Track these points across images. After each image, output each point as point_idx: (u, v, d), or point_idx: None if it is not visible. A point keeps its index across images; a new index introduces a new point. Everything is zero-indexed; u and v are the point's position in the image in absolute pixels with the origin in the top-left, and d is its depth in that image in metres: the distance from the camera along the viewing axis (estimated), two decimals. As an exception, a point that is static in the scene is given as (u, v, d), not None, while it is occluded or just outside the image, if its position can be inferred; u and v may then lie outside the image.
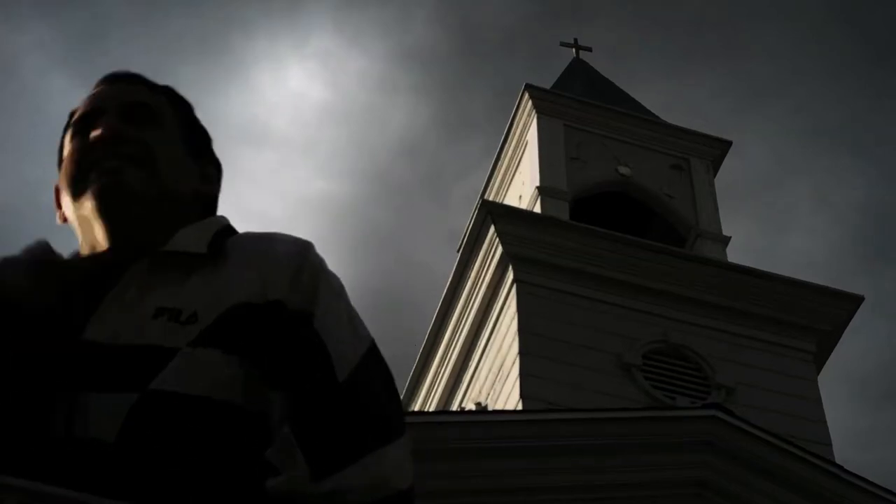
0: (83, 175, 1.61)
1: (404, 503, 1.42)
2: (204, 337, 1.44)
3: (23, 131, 33.91)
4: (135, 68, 1.69)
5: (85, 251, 1.63)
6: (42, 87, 33.31)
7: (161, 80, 1.79)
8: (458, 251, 12.94)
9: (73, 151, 1.64)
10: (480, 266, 12.21)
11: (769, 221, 34.69)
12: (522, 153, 14.58)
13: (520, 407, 10.28)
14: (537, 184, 13.39)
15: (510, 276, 11.71)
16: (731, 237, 13.72)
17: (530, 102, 14.52)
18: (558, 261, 11.71)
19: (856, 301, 12.50)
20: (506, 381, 10.96)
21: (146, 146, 1.63)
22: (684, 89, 35.13)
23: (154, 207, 1.60)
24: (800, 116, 37.16)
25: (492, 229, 11.88)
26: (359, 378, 1.46)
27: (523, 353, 10.84)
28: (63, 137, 1.72)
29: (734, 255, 13.52)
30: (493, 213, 12.03)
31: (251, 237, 1.59)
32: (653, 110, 15.84)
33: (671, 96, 32.79)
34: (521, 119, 14.74)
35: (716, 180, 14.56)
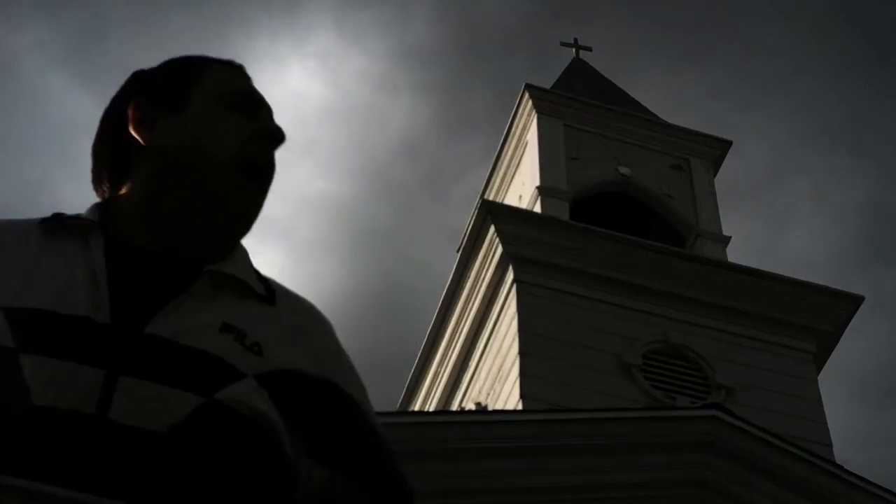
0: (225, 155, 1.52)
1: None
2: (268, 380, 1.42)
3: (22, 131, 33.94)
4: (135, 67, 1.67)
5: (139, 232, 1.51)
6: (42, 87, 33.33)
7: None
8: (458, 251, 12.94)
9: (233, 130, 1.54)
10: (480, 266, 12.21)
11: (769, 221, 34.71)
12: (522, 153, 14.58)
13: (520, 407, 10.28)
14: (537, 184, 13.39)
15: (510, 275, 11.71)
16: (731, 237, 13.72)
17: (530, 102, 14.52)
18: (558, 261, 11.70)
19: (856, 301, 12.50)
20: (506, 381, 10.96)
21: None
22: (684, 89, 35.16)
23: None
24: (800, 116, 37.19)
25: (492, 229, 11.87)
26: (395, 468, 1.51)
27: (523, 353, 10.83)
28: (172, 81, 1.60)
29: (734, 254, 13.54)
30: (493, 213, 12.03)
31: (288, 294, 1.57)
32: (653, 110, 15.85)
33: (671, 96, 32.81)
34: (521, 119, 14.74)
35: (716, 180, 14.56)
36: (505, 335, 11.45)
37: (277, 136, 1.57)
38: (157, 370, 1.36)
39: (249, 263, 1.56)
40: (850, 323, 12.47)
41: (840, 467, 9.80)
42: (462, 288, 12.55)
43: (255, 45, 35.85)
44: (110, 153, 1.59)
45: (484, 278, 12.15)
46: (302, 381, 1.46)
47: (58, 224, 1.51)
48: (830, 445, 11.11)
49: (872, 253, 35.68)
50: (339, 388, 1.49)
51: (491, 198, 14.50)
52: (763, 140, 34.53)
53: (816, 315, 12.23)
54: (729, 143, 14.96)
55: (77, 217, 1.53)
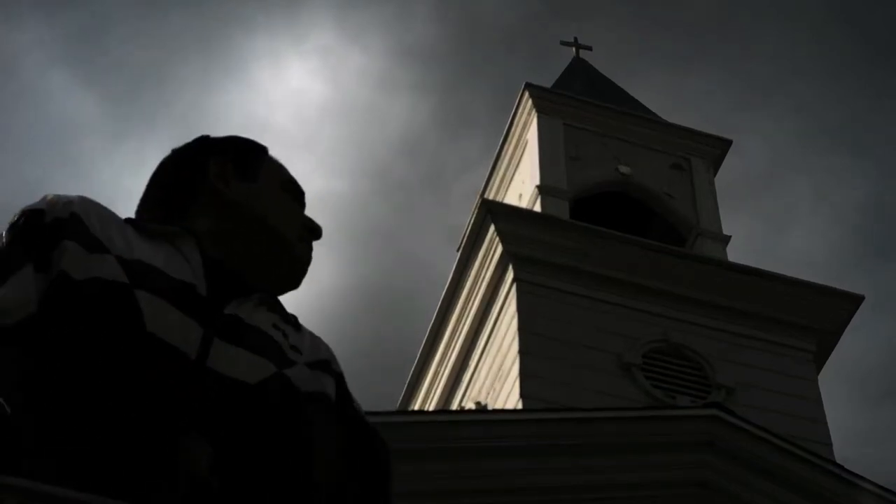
0: (290, 235, 1.89)
1: None
2: (312, 366, 1.78)
3: (22, 131, 33.93)
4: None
5: (215, 251, 1.80)
6: (42, 86, 33.31)
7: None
8: (457, 250, 12.94)
9: (294, 215, 1.94)
10: (480, 265, 12.21)
11: (769, 220, 34.70)
12: (522, 152, 14.58)
13: (520, 406, 10.27)
14: (537, 183, 13.39)
15: (510, 275, 11.70)
16: (731, 237, 13.72)
17: (530, 101, 14.52)
18: (558, 260, 11.70)
19: (856, 301, 12.50)
20: (506, 380, 10.96)
21: None
22: (684, 88, 35.16)
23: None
24: (800, 115, 37.20)
25: (492, 228, 11.87)
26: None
27: (523, 352, 10.83)
28: (257, 159, 1.97)
29: (734, 254, 13.54)
30: (493, 212, 12.03)
31: (308, 331, 1.89)
32: (653, 109, 15.84)
33: (671, 95, 32.81)
34: (521, 118, 14.74)
35: (716, 180, 14.56)
36: (505, 334, 11.44)
37: (320, 233, 1.96)
38: (240, 340, 1.65)
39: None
40: (850, 322, 12.48)
41: (840, 467, 9.80)
42: (462, 287, 12.54)
43: (255, 44, 35.89)
44: (174, 193, 1.91)
45: (484, 278, 12.15)
46: (331, 370, 1.81)
47: (145, 226, 1.79)
48: (830, 445, 11.11)
49: (872, 252, 35.71)
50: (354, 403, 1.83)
51: (491, 197, 14.50)
52: (763, 139, 34.53)
53: (816, 315, 12.23)
54: (729, 143, 14.96)
55: (161, 226, 1.81)
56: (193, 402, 1.53)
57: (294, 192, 1.98)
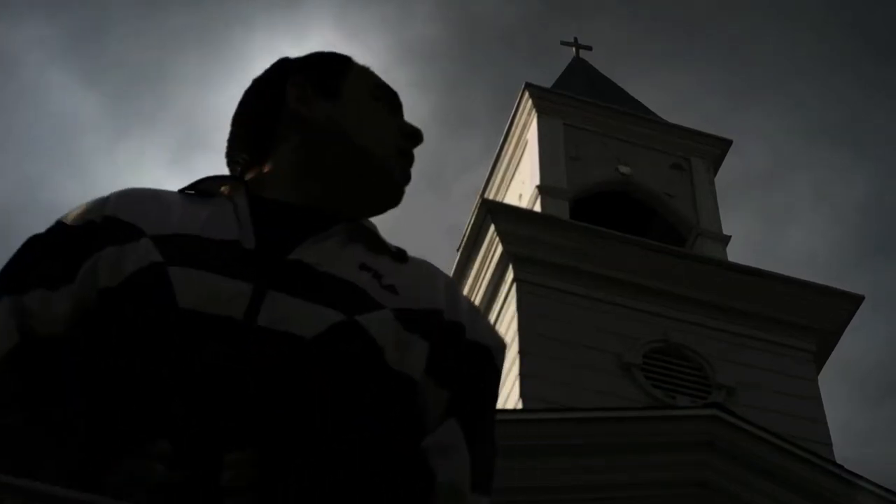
0: (383, 150, 1.72)
1: None
2: (405, 314, 1.53)
3: (23, 129, 33.95)
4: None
5: (283, 189, 1.66)
6: (42, 85, 33.34)
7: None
8: (457, 250, 12.94)
9: (387, 125, 1.75)
10: (480, 265, 12.21)
11: (769, 219, 34.72)
12: (522, 152, 14.58)
13: (520, 407, 10.27)
14: (537, 183, 13.38)
15: (510, 275, 11.70)
16: (731, 236, 13.73)
17: (530, 101, 14.52)
18: (558, 260, 11.70)
19: (856, 301, 12.50)
20: (506, 380, 10.96)
21: None
22: (684, 88, 35.19)
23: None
24: (800, 114, 37.22)
25: (492, 228, 11.87)
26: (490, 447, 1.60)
27: (523, 352, 10.83)
28: (328, 68, 1.79)
29: (734, 253, 13.55)
30: (493, 212, 12.03)
31: (415, 258, 1.70)
32: (653, 109, 15.85)
33: (671, 95, 32.83)
34: (521, 118, 14.74)
35: (716, 179, 14.56)
36: (505, 335, 11.44)
37: (420, 136, 1.79)
38: (301, 289, 1.48)
39: (375, 224, 1.73)
40: (851, 322, 12.48)
41: (840, 467, 9.80)
42: (462, 287, 12.53)
43: (255, 41, 35.91)
44: (256, 127, 1.76)
45: (484, 278, 12.15)
46: (440, 323, 1.56)
47: (201, 187, 1.65)
48: (830, 445, 11.10)
49: (872, 251, 35.73)
50: (464, 329, 1.58)
51: (491, 197, 14.50)
52: (763, 139, 34.59)
53: (816, 315, 12.23)
54: (729, 143, 14.96)
55: (217, 179, 1.68)
56: (228, 375, 1.39)
57: (386, 98, 1.80)
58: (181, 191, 1.66)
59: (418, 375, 1.50)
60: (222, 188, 1.66)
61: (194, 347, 1.41)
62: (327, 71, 1.79)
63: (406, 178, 1.74)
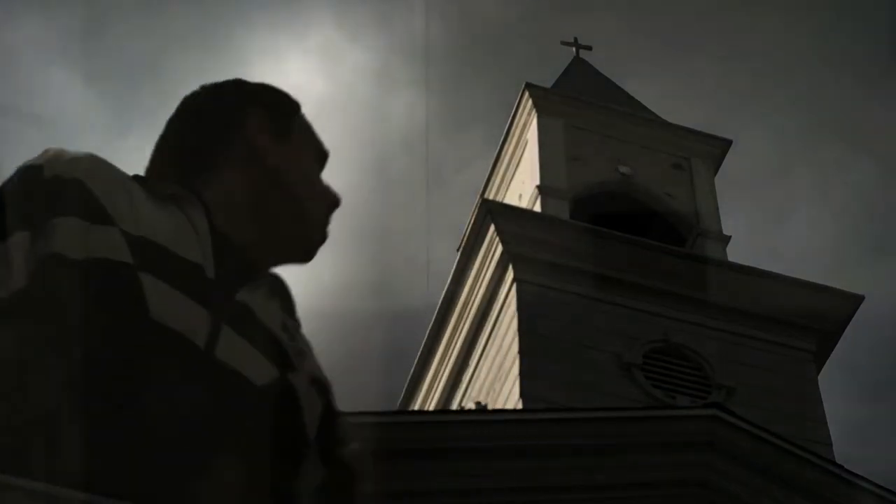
0: (319, 216, 1.75)
1: None
2: (314, 380, 1.61)
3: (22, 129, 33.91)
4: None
5: (222, 219, 1.64)
6: (41, 83, 33.31)
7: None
8: (458, 250, 12.93)
9: (325, 194, 1.78)
10: (480, 265, 12.21)
11: (769, 219, 34.70)
12: (522, 152, 14.58)
13: (520, 407, 10.27)
14: (537, 183, 13.38)
15: (510, 275, 11.70)
16: (731, 236, 13.72)
17: (530, 101, 14.52)
18: (558, 260, 11.70)
19: (856, 300, 12.50)
20: (506, 380, 10.95)
21: None
22: (684, 87, 35.17)
23: None
24: (800, 114, 37.22)
25: (492, 228, 11.87)
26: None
27: (523, 352, 10.83)
28: (294, 118, 1.80)
29: (734, 253, 13.54)
30: (493, 212, 12.03)
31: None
32: (653, 109, 15.84)
33: (671, 95, 32.80)
34: (521, 118, 14.74)
35: (716, 179, 14.56)
36: (505, 335, 11.44)
37: (338, 205, 1.81)
38: (247, 332, 1.52)
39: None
40: (850, 322, 12.48)
41: (840, 467, 9.80)
42: (462, 287, 12.54)
43: (255, 39, 35.84)
44: (202, 140, 1.73)
45: (484, 278, 12.15)
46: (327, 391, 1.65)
47: (154, 187, 1.62)
48: (830, 445, 11.11)
49: (873, 250, 35.70)
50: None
51: (491, 197, 14.50)
52: (763, 137, 34.53)
53: (816, 315, 12.23)
54: (729, 143, 14.97)
55: (171, 185, 1.64)
56: (200, 393, 1.44)
57: (323, 161, 1.82)
58: (135, 177, 1.63)
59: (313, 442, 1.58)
60: (170, 191, 1.62)
61: (163, 363, 1.43)
62: (281, 111, 1.78)
63: (324, 241, 1.77)
